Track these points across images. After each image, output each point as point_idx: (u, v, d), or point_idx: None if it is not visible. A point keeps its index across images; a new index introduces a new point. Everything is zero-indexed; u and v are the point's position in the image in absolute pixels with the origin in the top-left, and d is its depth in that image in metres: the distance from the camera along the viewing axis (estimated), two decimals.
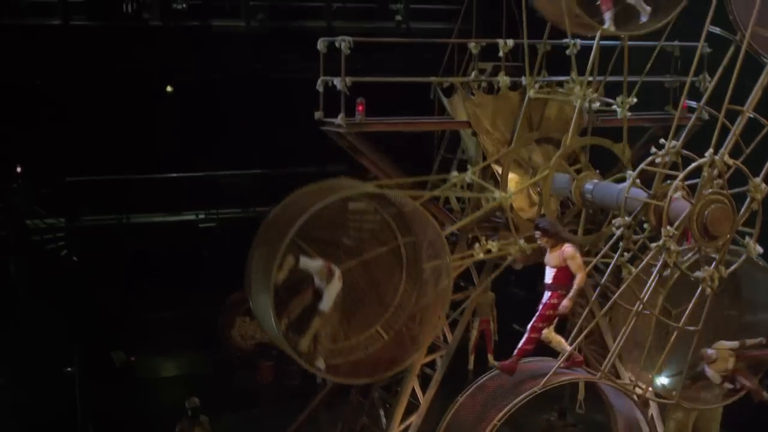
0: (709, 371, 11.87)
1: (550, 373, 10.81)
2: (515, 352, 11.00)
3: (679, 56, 13.97)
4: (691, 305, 10.64)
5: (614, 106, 12.08)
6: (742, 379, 11.91)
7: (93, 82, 19.40)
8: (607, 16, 12.08)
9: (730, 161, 10.63)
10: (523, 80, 12.55)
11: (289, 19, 20.73)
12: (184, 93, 20.97)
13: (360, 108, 12.24)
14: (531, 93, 12.49)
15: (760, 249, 10.75)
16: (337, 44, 12.08)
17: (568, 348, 10.97)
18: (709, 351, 11.85)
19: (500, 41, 12.52)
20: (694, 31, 11.74)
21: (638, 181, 10.80)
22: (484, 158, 12.74)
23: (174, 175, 20.38)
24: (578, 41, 12.65)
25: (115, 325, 18.92)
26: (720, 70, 11.12)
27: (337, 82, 11.99)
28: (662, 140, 10.68)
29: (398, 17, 21.07)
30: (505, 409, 10.81)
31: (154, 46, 19.68)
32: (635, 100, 12.14)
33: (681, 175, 10.53)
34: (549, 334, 11.10)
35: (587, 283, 11.34)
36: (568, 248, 10.83)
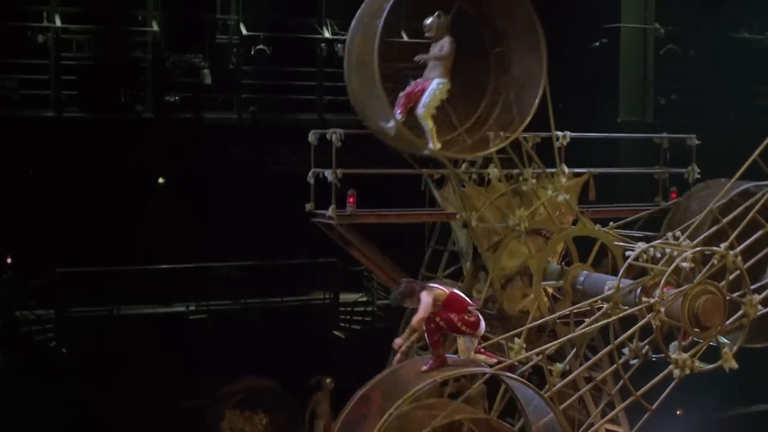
0: None
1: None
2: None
3: (667, 147, 14.13)
4: (654, 381, 10.55)
5: None
6: None
7: (85, 174, 19.46)
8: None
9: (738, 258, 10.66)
10: (514, 172, 12.67)
11: (280, 112, 20.89)
12: (176, 184, 21.04)
13: (351, 200, 12.31)
14: (528, 186, 12.61)
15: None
16: (328, 136, 12.19)
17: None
18: None
19: (490, 133, 12.62)
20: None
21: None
22: (475, 250, 12.77)
23: (165, 266, 20.32)
24: (567, 133, 12.80)
25: (102, 417, 18.68)
26: None
27: (328, 174, 12.07)
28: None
29: None
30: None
31: (147, 138, 19.79)
32: None
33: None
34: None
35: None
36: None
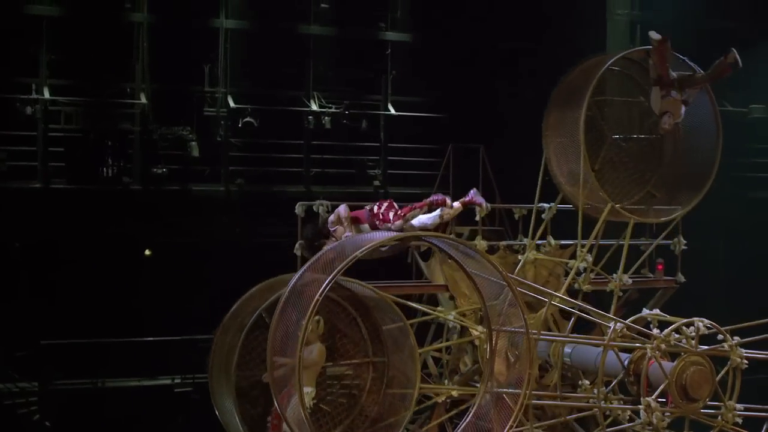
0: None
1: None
2: None
3: None
4: None
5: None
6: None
7: (71, 245, 19.40)
8: None
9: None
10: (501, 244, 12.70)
11: (267, 184, 20.95)
12: (163, 256, 20.98)
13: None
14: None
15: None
16: (315, 208, 12.23)
17: None
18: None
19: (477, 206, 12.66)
20: None
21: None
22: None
23: (150, 338, 20.19)
24: (554, 205, 12.87)
25: None
26: None
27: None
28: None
29: (376, 182, 21.36)
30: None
31: (134, 209, 19.79)
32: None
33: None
34: None
35: None
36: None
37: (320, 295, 9.54)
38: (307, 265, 10.22)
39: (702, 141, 13.11)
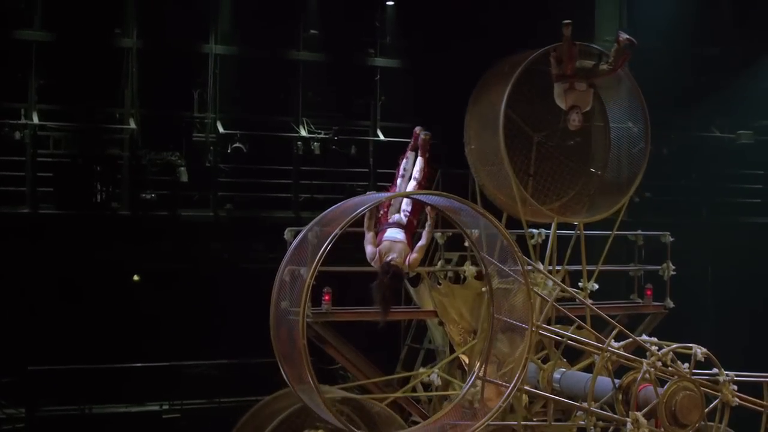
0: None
1: None
2: None
3: (642, 245, 14.23)
4: None
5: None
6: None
7: (59, 271, 19.33)
8: None
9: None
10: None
11: (256, 210, 20.95)
12: (151, 282, 20.93)
13: (326, 297, 12.29)
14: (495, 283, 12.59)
15: None
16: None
17: None
18: None
19: (465, 231, 12.66)
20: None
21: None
22: (451, 347, 12.73)
23: (138, 364, 20.10)
24: (542, 231, 12.87)
25: None
26: None
27: (303, 271, 12.03)
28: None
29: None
30: None
31: (122, 235, 19.74)
32: (596, 285, 12.25)
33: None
34: None
35: None
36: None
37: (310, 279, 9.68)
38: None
39: (630, 142, 12.95)
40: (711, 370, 11.39)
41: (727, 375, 11.32)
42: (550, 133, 12.69)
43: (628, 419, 10.69)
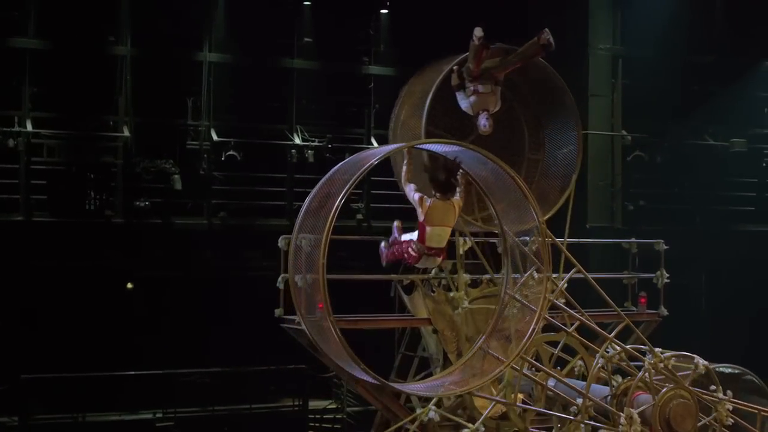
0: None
1: None
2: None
3: (636, 252, 14.23)
4: None
5: None
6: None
7: (53, 278, 19.32)
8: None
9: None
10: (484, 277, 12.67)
11: (250, 217, 20.94)
12: (145, 290, 20.91)
13: (321, 305, 12.24)
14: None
15: None
16: (297, 242, 12.17)
17: None
18: None
19: (459, 238, 12.68)
20: None
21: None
22: (445, 355, 12.71)
23: (132, 372, 20.07)
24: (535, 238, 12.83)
25: None
26: None
27: (297, 279, 12.03)
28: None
29: (359, 216, 21.37)
30: None
31: (116, 243, 19.73)
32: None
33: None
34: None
35: None
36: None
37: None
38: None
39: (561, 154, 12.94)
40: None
41: (724, 395, 11.37)
42: (474, 140, 12.56)
43: (621, 414, 10.68)
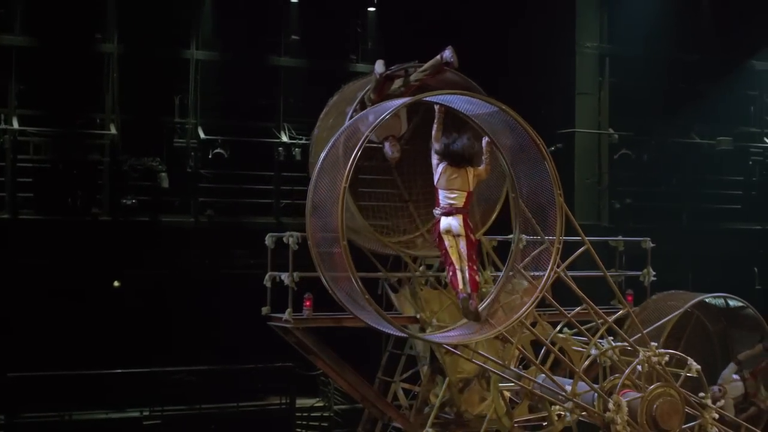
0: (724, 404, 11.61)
1: None
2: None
3: (623, 251, 14.26)
4: None
5: None
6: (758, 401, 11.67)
7: (39, 276, 19.26)
8: None
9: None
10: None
11: (237, 215, 20.92)
12: (131, 288, 20.87)
13: (308, 303, 12.26)
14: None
15: None
16: (285, 240, 12.18)
17: None
18: (714, 389, 11.56)
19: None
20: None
21: None
22: (432, 353, 12.73)
23: (118, 371, 20.03)
24: (524, 237, 12.84)
25: None
26: None
27: (284, 277, 12.04)
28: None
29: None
30: None
31: (103, 240, 19.68)
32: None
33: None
34: None
35: None
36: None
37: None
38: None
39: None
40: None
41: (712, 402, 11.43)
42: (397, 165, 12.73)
43: (610, 399, 10.69)
